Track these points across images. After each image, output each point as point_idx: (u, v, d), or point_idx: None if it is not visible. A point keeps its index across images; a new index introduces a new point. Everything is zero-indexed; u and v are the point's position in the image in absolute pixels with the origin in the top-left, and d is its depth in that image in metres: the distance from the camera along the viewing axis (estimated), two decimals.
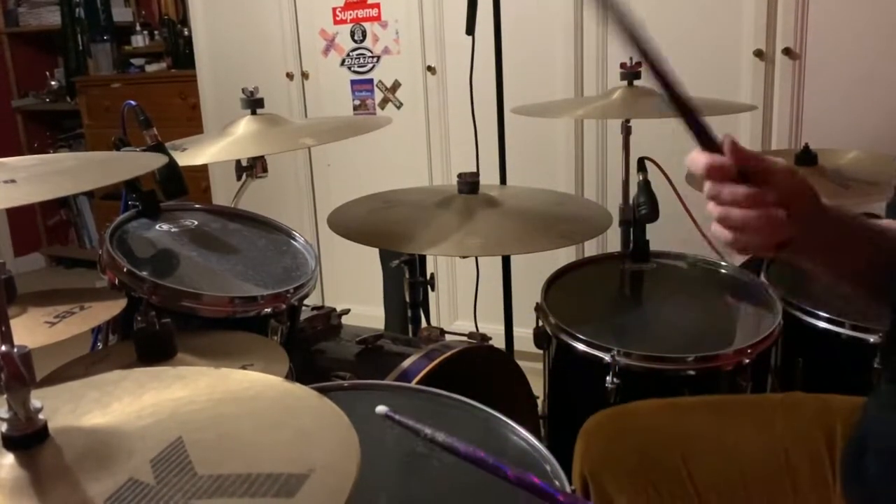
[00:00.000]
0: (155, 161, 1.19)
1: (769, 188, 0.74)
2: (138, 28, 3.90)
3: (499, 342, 1.90)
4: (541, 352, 1.56)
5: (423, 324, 1.86)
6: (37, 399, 0.56)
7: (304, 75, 2.94)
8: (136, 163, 1.16)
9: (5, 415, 0.55)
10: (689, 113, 0.74)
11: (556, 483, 0.89)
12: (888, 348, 0.86)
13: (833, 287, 0.93)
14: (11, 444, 0.55)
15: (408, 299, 1.82)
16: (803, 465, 0.98)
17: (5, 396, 0.55)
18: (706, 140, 0.75)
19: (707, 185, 0.76)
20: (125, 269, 1.27)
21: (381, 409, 0.77)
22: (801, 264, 0.80)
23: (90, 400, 0.63)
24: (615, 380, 1.33)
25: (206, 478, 0.53)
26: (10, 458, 0.55)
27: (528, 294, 1.68)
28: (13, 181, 0.92)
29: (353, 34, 2.82)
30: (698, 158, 0.75)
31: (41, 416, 0.56)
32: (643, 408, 1.07)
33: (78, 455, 0.56)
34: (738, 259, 1.81)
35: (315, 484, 0.52)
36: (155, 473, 0.53)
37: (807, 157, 1.73)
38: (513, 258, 2.13)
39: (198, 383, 0.66)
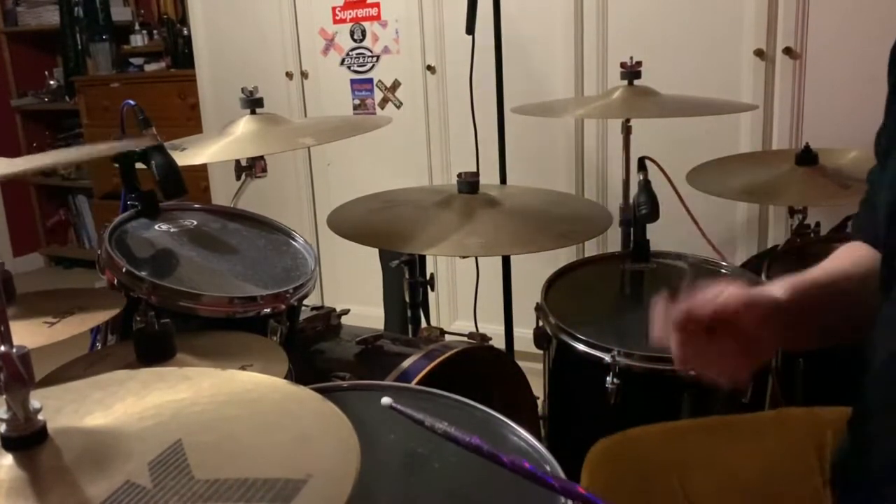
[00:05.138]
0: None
1: (733, 333, 0.80)
2: (137, 27, 3.90)
3: (499, 342, 1.90)
4: (541, 352, 1.56)
5: (423, 324, 1.86)
6: (38, 399, 0.55)
7: (304, 75, 2.93)
8: None
9: (4, 415, 0.54)
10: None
11: (548, 468, 0.91)
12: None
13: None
14: (10, 444, 0.55)
15: (408, 299, 1.81)
16: (795, 479, 1.00)
17: (4, 397, 0.54)
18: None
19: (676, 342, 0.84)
20: (124, 270, 1.27)
21: (385, 400, 0.80)
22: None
23: (93, 400, 0.63)
24: (615, 380, 1.33)
25: (203, 482, 0.52)
26: (8, 459, 0.54)
27: (528, 294, 1.68)
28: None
29: (352, 33, 2.81)
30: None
31: (40, 417, 0.55)
32: (643, 434, 1.11)
33: (77, 456, 0.55)
34: (739, 259, 1.80)
35: (312, 490, 0.51)
36: (152, 476, 0.53)
37: (807, 156, 1.74)
38: (513, 258, 2.13)
39: (201, 384, 0.66)
